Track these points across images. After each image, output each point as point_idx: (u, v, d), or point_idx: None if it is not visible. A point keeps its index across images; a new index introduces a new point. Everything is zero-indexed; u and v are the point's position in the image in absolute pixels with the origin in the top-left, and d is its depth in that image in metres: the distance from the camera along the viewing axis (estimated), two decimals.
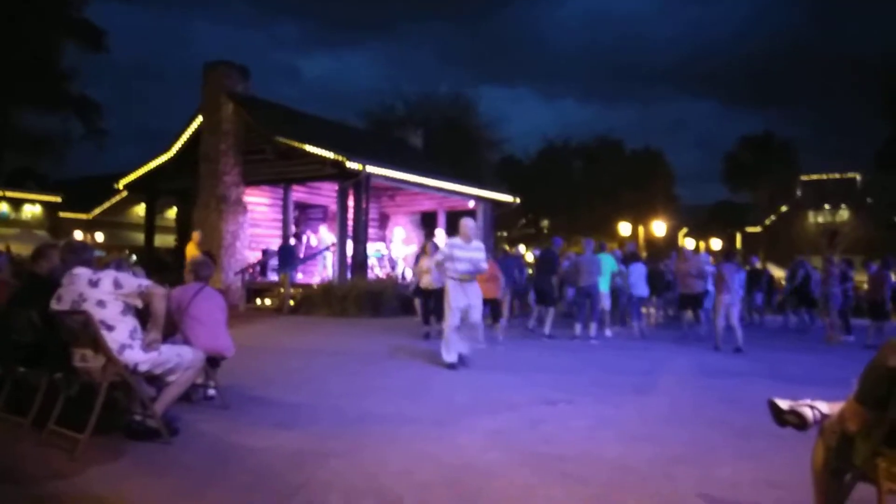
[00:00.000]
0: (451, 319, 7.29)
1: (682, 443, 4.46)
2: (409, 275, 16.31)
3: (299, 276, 16.90)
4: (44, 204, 36.18)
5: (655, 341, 10.95)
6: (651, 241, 33.92)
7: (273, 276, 16.92)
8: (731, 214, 46.12)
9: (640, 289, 11.81)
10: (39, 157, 24.18)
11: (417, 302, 13.61)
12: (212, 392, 5.22)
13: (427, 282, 10.75)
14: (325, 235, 18.27)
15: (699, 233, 41.90)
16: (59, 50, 22.08)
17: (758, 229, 44.36)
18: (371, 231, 17.70)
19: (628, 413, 5.43)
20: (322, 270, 17.65)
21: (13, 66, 18.73)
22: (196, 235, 14.18)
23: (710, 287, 11.16)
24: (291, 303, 14.97)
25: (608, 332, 10.95)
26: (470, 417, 5.03)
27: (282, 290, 15.34)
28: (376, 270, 17.30)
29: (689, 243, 41.19)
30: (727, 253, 11.76)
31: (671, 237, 38.70)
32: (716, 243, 38.83)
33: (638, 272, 11.82)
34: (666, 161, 42.52)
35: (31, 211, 36.10)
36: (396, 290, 15.22)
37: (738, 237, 44.93)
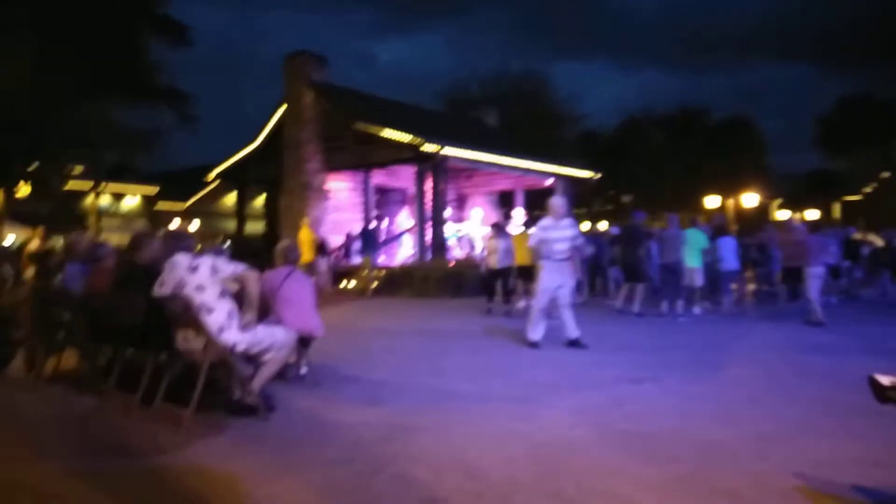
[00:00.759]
0: (539, 299, 7.29)
1: (776, 421, 4.31)
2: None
3: (381, 259, 17.23)
4: (142, 195, 38.41)
5: (746, 317, 10.54)
6: (741, 214, 32.46)
7: (357, 259, 17.35)
8: (827, 183, 43.57)
9: (730, 263, 11.36)
10: (136, 151, 25.52)
11: (498, 283, 13.67)
12: (304, 370, 5.44)
13: (493, 262, 10.76)
14: (403, 218, 18.53)
15: (794, 204, 39.83)
16: (146, 46, 23.18)
17: (858, 198, 41.62)
18: (449, 212, 17.80)
19: (718, 391, 5.28)
20: (402, 253, 17.93)
21: (107, 65, 19.81)
22: (306, 220, 14.69)
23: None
24: (374, 285, 15.31)
25: (696, 310, 10.60)
26: (554, 395, 5.03)
27: (365, 272, 15.71)
28: (455, 251, 17.41)
29: (781, 215, 39.34)
30: (814, 225, 11.17)
31: (763, 209, 36.96)
32: (812, 214, 36.83)
33: (727, 246, 11.36)
34: (755, 129, 40.39)
35: (131, 203, 38.40)
36: (476, 270, 15.28)
37: (837, 207, 42.35)
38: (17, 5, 13.85)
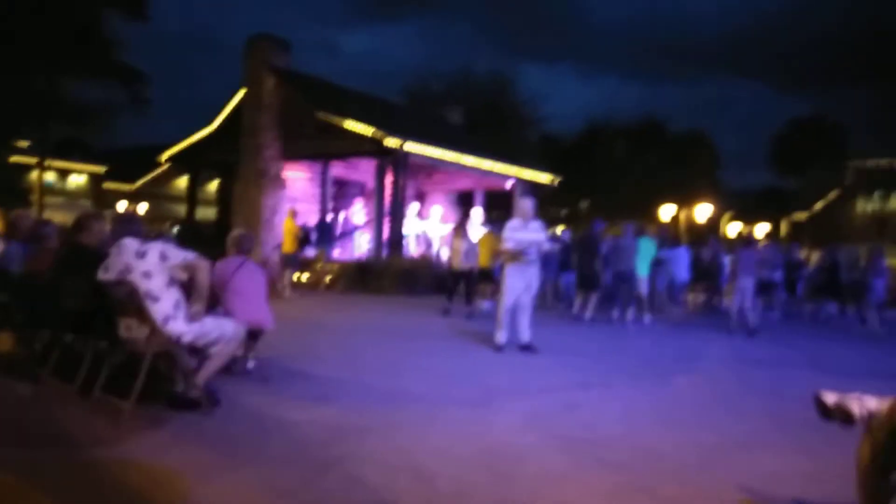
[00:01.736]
0: (505, 300, 7.25)
1: (722, 432, 4.38)
2: (444, 254, 16.32)
3: (336, 253, 17.02)
4: (89, 174, 37.15)
5: (695, 328, 10.77)
6: (693, 226, 33.25)
7: (310, 252, 17.09)
8: (777, 200, 44.91)
9: (682, 274, 11.61)
10: (85, 127, 24.65)
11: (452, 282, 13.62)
12: (251, 365, 5.30)
13: (457, 263, 10.73)
14: (359, 212, 18.36)
15: (744, 218, 40.94)
16: (102, 19, 22.37)
17: (806, 215, 43.07)
18: (407, 209, 17.69)
19: (665, 400, 5.36)
20: (354, 248, 17.74)
21: (58, 35, 19.04)
22: (291, 210, 14.25)
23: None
24: (328, 279, 15.12)
25: (646, 318, 10.79)
26: (505, 399, 5.02)
27: (319, 265, 15.50)
28: (411, 249, 17.33)
29: (732, 228, 40.45)
30: (747, 239, 11.55)
31: (714, 222, 37.92)
32: (761, 229, 37.93)
33: (680, 257, 11.60)
34: (711, 143, 41.48)
35: (77, 181, 37.11)
36: (432, 269, 15.24)
37: (784, 224, 43.75)
38: None
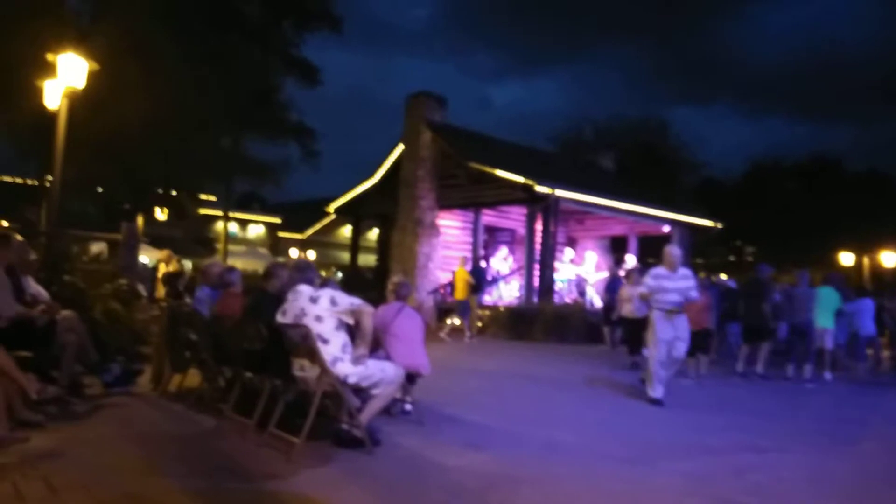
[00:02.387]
0: (657, 352, 6.93)
1: None
2: (597, 301, 15.92)
3: (488, 298, 17.20)
4: (266, 224, 40.76)
5: (883, 388, 9.61)
6: (878, 273, 29.92)
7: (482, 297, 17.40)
8: None
9: (867, 327, 10.44)
10: (263, 182, 27.24)
11: (606, 330, 13.20)
12: (409, 407, 5.46)
13: (628, 310, 10.39)
14: (509, 259, 18.52)
15: None
16: (279, 84, 24.84)
17: None
18: (558, 255, 17.56)
19: (846, 467, 4.80)
20: (508, 293, 17.80)
21: (243, 99, 21.36)
22: (462, 259, 15.05)
23: None
24: (479, 324, 15.28)
25: (827, 375, 9.77)
26: (667, 459, 4.74)
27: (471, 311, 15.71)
28: (564, 295, 17.09)
29: None
30: None
31: None
32: None
33: (864, 308, 10.45)
34: (894, 183, 37.37)
35: (256, 231, 40.81)
36: (584, 315, 14.92)
37: None
38: (164, 38, 15.13)
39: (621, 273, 14.18)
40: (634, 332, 10.05)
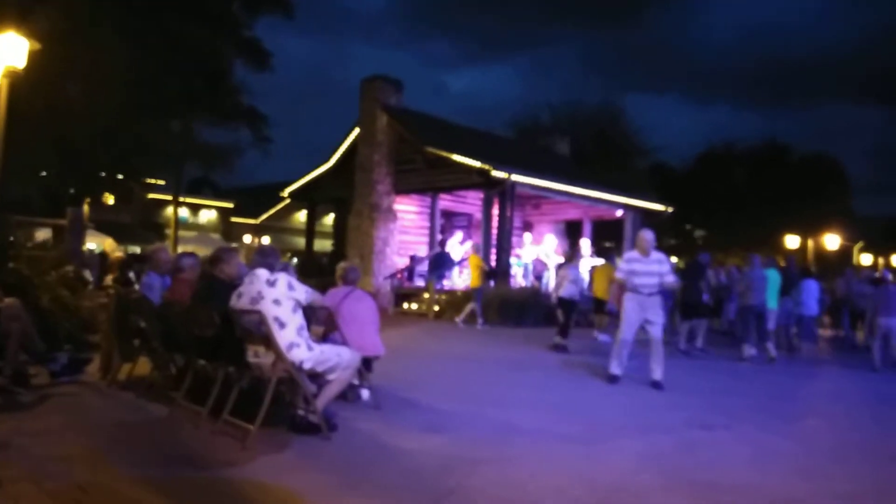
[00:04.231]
0: (623, 333, 7.10)
1: (855, 480, 4.04)
2: (552, 285, 16.12)
3: (445, 283, 17.25)
4: (218, 209, 39.95)
5: (827, 366, 10.01)
6: (822, 256, 31.02)
7: (419, 282, 17.42)
8: None
9: (811, 308, 10.86)
10: (213, 167, 26.67)
11: (559, 312, 13.37)
12: (366, 393, 5.45)
13: (564, 292, 10.52)
14: (465, 243, 18.63)
15: (877, 248, 37.85)
16: (229, 67, 24.26)
17: None
18: (514, 240, 17.68)
19: (794, 443, 4.99)
20: (457, 278, 17.87)
21: (193, 83, 20.81)
22: (474, 246, 15.21)
23: None
24: (436, 308, 15.32)
25: (771, 349, 10.14)
26: (621, 437, 4.85)
27: (427, 295, 15.75)
28: (518, 279, 17.25)
29: (864, 259, 37.39)
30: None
31: (845, 252, 35.25)
32: None
33: (809, 290, 10.86)
34: (839, 168, 38.66)
35: (208, 216, 39.97)
36: (539, 299, 15.10)
37: None
38: (109, 18, 14.61)
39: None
40: (566, 313, 10.31)
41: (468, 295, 14.05)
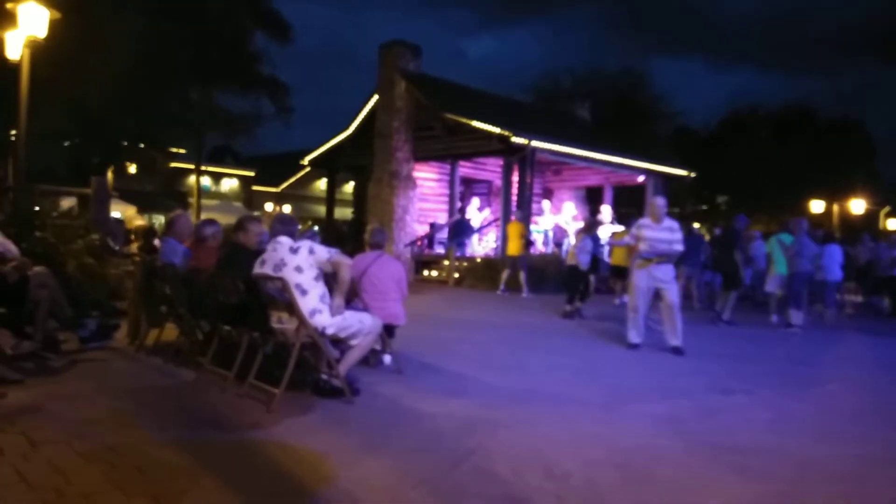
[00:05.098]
0: (634, 301, 7.14)
1: (878, 444, 4.05)
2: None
3: (465, 250, 17.28)
4: (239, 178, 40.14)
5: (849, 331, 9.93)
6: (847, 221, 30.50)
7: (439, 249, 17.47)
8: None
9: (834, 273, 10.72)
10: (236, 135, 26.79)
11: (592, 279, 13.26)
12: (388, 359, 5.53)
13: (574, 261, 10.50)
14: (486, 210, 18.55)
15: None
16: (248, 36, 24.21)
17: None
18: (535, 206, 17.60)
19: (814, 407, 5.00)
20: (484, 245, 17.89)
21: (211, 52, 20.80)
22: (516, 213, 14.99)
23: None
24: (456, 275, 15.39)
25: (775, 318, 10.11)
26: (638, 402, 4.89)
27: (447, 262, 15.81)
28: (538, 246, 17.22)
29: (892, 224, 36.70)
30: None
31: (871, 217, 34.61)
32: None
33: (832, 254, 10.71)
34: (864, 132, 37.70)
35: (230, 184, 40.18)
36: (559, 266, 15.07)
37: None
38: None
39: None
40: (573, 282, 10.33)
41: (505, 262, 13.97)
